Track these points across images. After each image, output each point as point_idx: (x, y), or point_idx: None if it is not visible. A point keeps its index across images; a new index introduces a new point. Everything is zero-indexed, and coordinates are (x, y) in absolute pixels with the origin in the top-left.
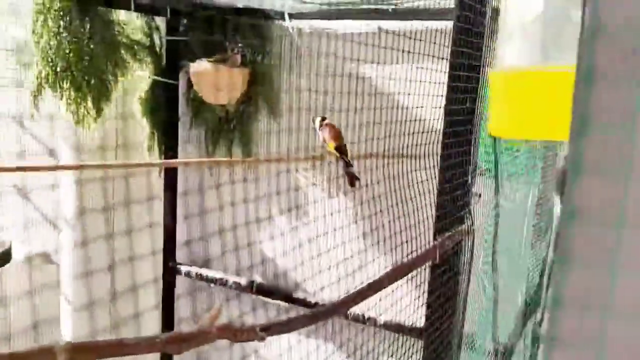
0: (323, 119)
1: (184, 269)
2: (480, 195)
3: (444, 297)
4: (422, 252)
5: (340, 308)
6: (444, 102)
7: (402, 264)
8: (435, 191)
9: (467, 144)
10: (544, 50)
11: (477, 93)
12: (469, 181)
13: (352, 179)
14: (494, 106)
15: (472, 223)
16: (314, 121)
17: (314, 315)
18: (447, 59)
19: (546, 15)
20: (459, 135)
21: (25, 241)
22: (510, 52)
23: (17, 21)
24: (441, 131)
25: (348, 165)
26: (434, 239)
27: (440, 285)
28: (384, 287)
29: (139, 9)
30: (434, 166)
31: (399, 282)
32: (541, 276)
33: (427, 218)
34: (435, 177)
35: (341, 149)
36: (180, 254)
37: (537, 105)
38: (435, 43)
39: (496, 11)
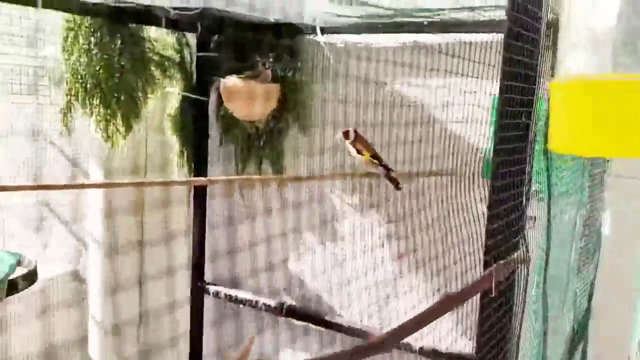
0: (346, 132)
1: (212, 289)
2: (535, 219)
3: (496, 329)
4: (476, 282)
5: (393, 340)
6: (488, 117)
7: (456, 295)
8: (484, 213)
9: (521, 163)
10: (616, 59)
11: (532, 106)
12: (524, 203)
13: (397, 183)
14: (555, 120)
15: (527, 250)
16: (346, 135)
17: (357, 351)
18: (490, 72)
19: (620, 22)
20: (513, 153)
21: (54, 258)
22: (575, 62)
23: (46, 38)
24: (487, 148)
25: (389, 170)
26: (486, 266)
27: (493, 318)
28: (438, 317)
29: (170, 25)
30: (479, 185)
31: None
32: (589, 300)
33: (472, 241)
34: (482, 199)
35: (377, 157)
36: (209, 274)
37: (608, 118)
38: (476, 56)
39: (551, 23)
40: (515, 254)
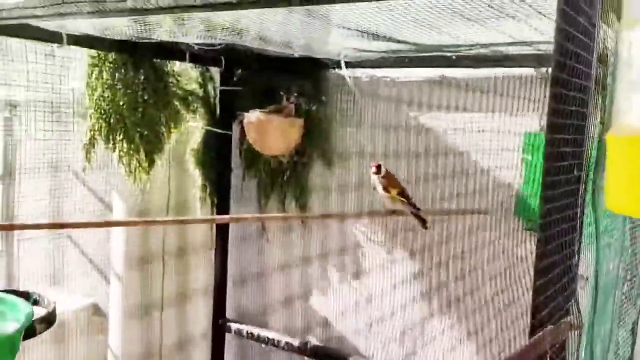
0: (378, 166)
1: (234, 326)
2: (587, 279)
3: None
4: (523, 350)
5: None
6: (520, 153)
7: None
8: (521, 257)
9: (572, 219)
10: None
11: (583, 147)
12: (575, 258)
13: (424, 222)
14: (614, 177)
15: (579, 313)
16: (378, 169)
17: None
18: (521, 107)
19: None
20: (563, 210)
21: (76, 290)
22: (636, 104)
23: (70, 74)
24: (519, 186)
25: (416, 208)
26: (533, 330)
27: None
28: None
29: (194, 60)
30: (512, 225)
31: None
32: (632, 348)
33: (506, 284)
34: (517, 240)
35: (405, 195)
36: (231, 311)
37: None
38: (506, 90)
39: (603, 57)
40: (568, 318)
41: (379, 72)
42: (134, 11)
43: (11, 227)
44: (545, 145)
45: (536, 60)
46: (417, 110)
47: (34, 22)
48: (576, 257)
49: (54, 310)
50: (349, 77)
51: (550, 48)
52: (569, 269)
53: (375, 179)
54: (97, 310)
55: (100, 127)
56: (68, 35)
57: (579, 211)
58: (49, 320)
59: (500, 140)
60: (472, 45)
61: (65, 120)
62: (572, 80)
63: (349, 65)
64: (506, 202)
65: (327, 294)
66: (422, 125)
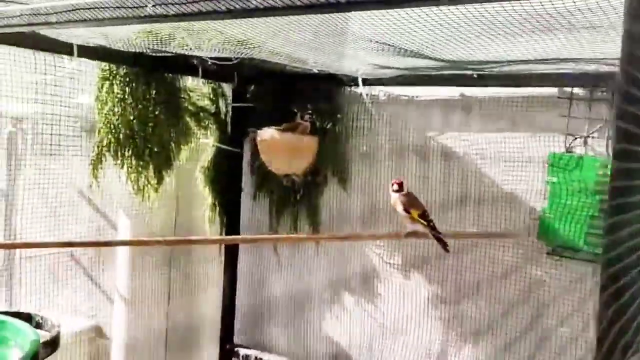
0: (400, 183)
1: (242, 351)
2: None
3: None
4: None
5: None
6: (544, 175)
7: None
8: (544, 280)
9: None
10: None
11: None
12: None
13: (445, 245)
14: None
15: None
16: (400, 187)
17: None
18: (546, 127)
19: None
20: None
21: (80, 312)
22: None
23: (80, 87)
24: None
25: (438, 231)
26: None
27: None
28: None
29: (206, 75)
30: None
31: None
32: None
33: (530, 312)
34: (539, 265)
35: (425, 216)
36: (239, 336)
37: None
38: (529, 110)
39: None
40: None
41: (397, 90)
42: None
43: (13, 246)
44: (612, 169)
45: (560, 79)
46: (436, 130)
47: (44, 32)
48: None
49: (58, 335)
50: (366, 94)
51: (575, 67)
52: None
53: (396, 198)
54: (100, 333)
55: (110, 142)
56: (79, 47)
57: None
58: (52, 344)
59: (524, 161)
60: (497, 63)
61: (72, 134)
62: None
63: (366, 82)
64: (530, 225)
65: (339, 319)
66: (442, 146)
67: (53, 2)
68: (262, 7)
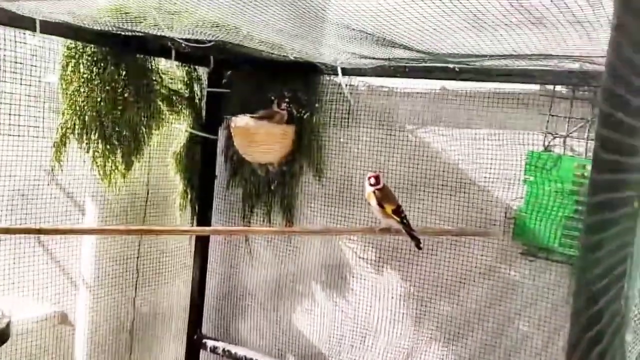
0: (377, 177)
1: (210, 343)
2: None
3: None
4: None
5: None
6: (522, 173)
7: None
8: (518, 282)
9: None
10: None
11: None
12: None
13: (418, 242)
14: None
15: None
16: (377, 180)
17: None
18: (525, 125)
19: None
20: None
21: (44, 298)
22: None
23: (42, 65)
24: (520, 208)
25: (410, 229)
26: None
27: None
28: None
29: (180, 58)
30: (511, 253)
31: None
32: None
33: (502, 310)
34: (513, 264)
35: (399, 212)
36: (207, 327)
37: None
38: (509, 106)
39: None
40: None
41: (377, 82)
42: None
43: None
44: (592, 172)
45: (542, 77)
46: (415, 123)
47: (3, 4)
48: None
49: (7, 326)
50: (345, 84)
51: (558, 64)
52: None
53: (370, 191)
54: (64, 319)
55: (74, 124)
56: (42, 22)
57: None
58: (2, 337)
59: (502, 159)
60: (478, 57)
61: (35, 115)
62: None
63: (345, 72)
64: (505, 224)
65: (311, 312)
66: (420, 139)
67: None
68: None
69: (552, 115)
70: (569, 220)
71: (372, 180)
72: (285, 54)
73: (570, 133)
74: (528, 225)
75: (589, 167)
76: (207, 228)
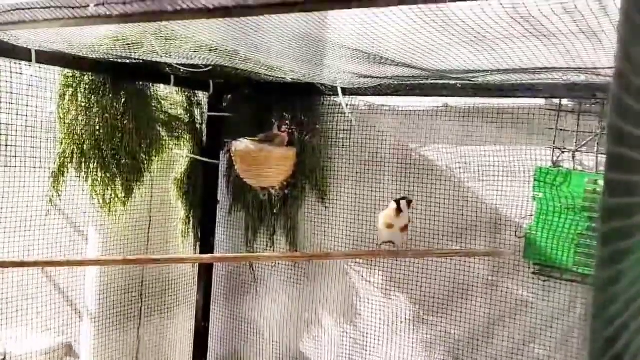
0: (410, 201)
1: None
2: None
3: None
4: None
5: None
6: (530, 190)
7: None
8: (531, 303)
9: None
10: None
11: None
12: None
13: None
14: None
15: None
16: (409, 205)
17: None
18: (533, 140)
19: None
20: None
21: (50, 329)
22: None
23: (39, 95)
24: (529, 226)
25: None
26: None
27: None
28: None
29: (180, 83)
30: (521, 269)
31: None
32: None
33: (518, 333)
34: (526, 284)
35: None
36: (213, 355)
37: None
38: (514, 122)
39: None
40: None
41: (378, 100)
42: (94, 18)
43: None
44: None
45: (547, 90)
46: (418, 142)
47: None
48: None
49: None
50: (346, 104)
51: (563, 77)
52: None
53: (401, 217)
54: (69, 351)
55: (72, 153)
56: (38, 52)
57: None
58: None
59: (509, 175)
60: (481, 72)
61: (32, 146)
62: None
63: (345, 92)
64: (516, 243)
65: (318, 339)
66: (424, 158)
67: None
68: (211, 7)
69: (560, 130)
70: (582, 237)
71: (408, 204)
72: (284, 76)
73: (579, 147)
74: (539, 243)
75: (600, 182)
76: (204, 256)
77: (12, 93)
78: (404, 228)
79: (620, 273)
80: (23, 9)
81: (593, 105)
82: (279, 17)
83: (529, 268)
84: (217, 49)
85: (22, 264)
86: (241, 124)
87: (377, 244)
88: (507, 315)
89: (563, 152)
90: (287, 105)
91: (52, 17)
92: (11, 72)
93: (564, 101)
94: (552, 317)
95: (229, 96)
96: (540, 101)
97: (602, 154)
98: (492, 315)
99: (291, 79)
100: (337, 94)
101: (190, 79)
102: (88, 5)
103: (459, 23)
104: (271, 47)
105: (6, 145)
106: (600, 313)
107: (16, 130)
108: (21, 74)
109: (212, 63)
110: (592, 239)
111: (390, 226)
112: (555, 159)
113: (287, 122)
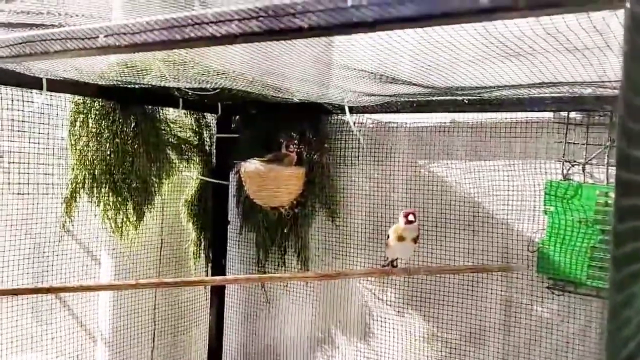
0: (414, 214)
1: None
2: None
3: None
4: None
5: None
6: (541, 204)
7: None
8: (547, 318)
9: None
10: None
11: None
12: None
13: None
14: None
15: None
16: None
17: None
18: (542, 154)
19: None
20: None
21: (64, 354)
22: None
23: (51, 122)
24: (541, 240)
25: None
26: None
27: None
28: None
29: (188, 106)
30: (536, 287)
31: None
32: None
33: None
34: (541, 299)
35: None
36: None
37: None
38: (522, 136)
39: None
40: None
41: (385, 118)
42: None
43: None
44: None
45: (554, 104)
46: (427, 158)
47: (11, 66)
48: None
49: None
50: (353, 122)
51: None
52: None
53: (412, 228)
54: None
55: (84, 179)
56: (49, 81)
57: None
58: None
59: (519, 190)
60: (488, 88)
61: (44, 172)
62: None
63: (352, 110)
64: (529, 258)
65: (332, 359)
66: (433, 174)
67: (1, 36)
68: (218, 35)
69: (569, 143)
70: (595, 250)
71: (412, 217)
72: (291, 97)
73: (589, 160)
74: (552, 257)
75: (611, 195)
76: (215, 278)
77: (24, 121)
78: (416, 239)
79: (633, 296)
80: (34, 42)
81: (601, 117)
82: (286, 42)
83: (543, 282)
84: (224, 73)
85: (36, 291)
86: (250, 144)
87: (385, 261)
88: (523, 330)
89: (573, 165)
90: (294, 124)
91: (62, 48)
92: (23, 100)
93: (572, 114)
94: (569, 334)
95: (237, 117)
96: (549, 114)
97: (612, 166)
98: (507, 331)
99: (298, 99)
100: (345, 113)
101: (198, 101)
102: (97, 37)
103: (469, 39)
104: (278, 70)
105: (19, 173)
106: (614, 335)
107: (28, 158)
108: (32, 102)
109: (220, 86)
110: (605, 252)
111: (401, 238)
112: (565, 172)
113: (295, 141)
